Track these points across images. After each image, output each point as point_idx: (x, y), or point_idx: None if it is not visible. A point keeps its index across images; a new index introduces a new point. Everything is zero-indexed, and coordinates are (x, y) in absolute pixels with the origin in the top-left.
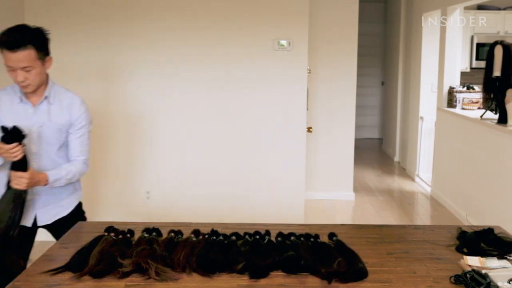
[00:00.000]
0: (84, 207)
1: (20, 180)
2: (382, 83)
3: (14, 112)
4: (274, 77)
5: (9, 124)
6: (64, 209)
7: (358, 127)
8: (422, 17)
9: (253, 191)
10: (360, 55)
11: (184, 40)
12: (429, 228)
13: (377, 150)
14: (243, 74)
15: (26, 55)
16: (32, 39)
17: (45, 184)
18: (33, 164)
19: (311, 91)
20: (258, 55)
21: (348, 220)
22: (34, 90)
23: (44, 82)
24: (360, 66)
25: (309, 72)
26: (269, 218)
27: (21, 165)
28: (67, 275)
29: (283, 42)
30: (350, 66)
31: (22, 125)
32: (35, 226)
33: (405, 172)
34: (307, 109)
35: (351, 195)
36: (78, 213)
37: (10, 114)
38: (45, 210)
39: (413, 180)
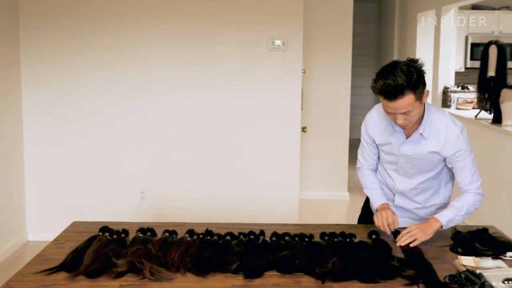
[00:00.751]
0: (79, 208)
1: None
2: None
3: (388, 136)
4: (269, 77)
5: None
6: None
7: (352, 127)
8: (419, 17)
9: (247, 191)
10: (354, 55)
11: (178, 40)
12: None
13: None
14: (238, 74)
15: (405, 102)
16: (408, 82)
17: (440, 227)
18: (398, 186)
19: (306, 91)
20: (253, 55)
21: (342, 220)
22: None
23: (421, 115)
24: (354, 66)
25: (304, 72)
26: (263, 218)
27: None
28: (62, 275)
29: (278, 42)
30: (345, 66)
31: (394, 149)
32: None
33: None
34: (302, 109)
35: (346, 195)
36: None
37: (383, 137)
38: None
39: None
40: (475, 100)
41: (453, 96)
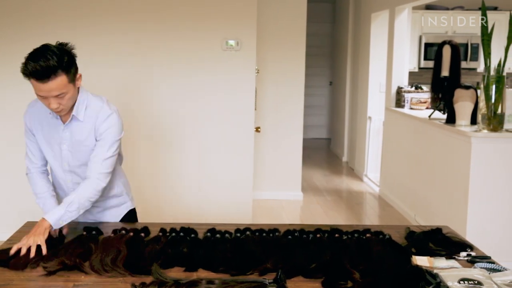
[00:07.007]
0: (32, 208)
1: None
2: (330, 83)
3: (46, 125)
4: (223, 77)
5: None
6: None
7: (306, 127)
8: (373, 17)
9: (201, 191)
10: (308, 55)
11: (129, 39)
12: (377, 228)
13: (325, 150)
14: (191, 74)
15: (58, 83)
16: (60, 63)
17: (50, 226)
18: (68, 182)
19: (260, 91)
20: (206, 55)
21: (296, 220)
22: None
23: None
24: (308, 66)
25: (258, 72)
26: (216, 218)
27: None
28: (16, 275)
29: (232, 42)
30: (298, 66)
31: (54, 138)
32: None
33: (353, 172)
34: (255, 109)
35: (299, 195)
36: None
37: (42, 126)
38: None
39: (361, 180)
40: (429, 100)
41: (407, 96)
